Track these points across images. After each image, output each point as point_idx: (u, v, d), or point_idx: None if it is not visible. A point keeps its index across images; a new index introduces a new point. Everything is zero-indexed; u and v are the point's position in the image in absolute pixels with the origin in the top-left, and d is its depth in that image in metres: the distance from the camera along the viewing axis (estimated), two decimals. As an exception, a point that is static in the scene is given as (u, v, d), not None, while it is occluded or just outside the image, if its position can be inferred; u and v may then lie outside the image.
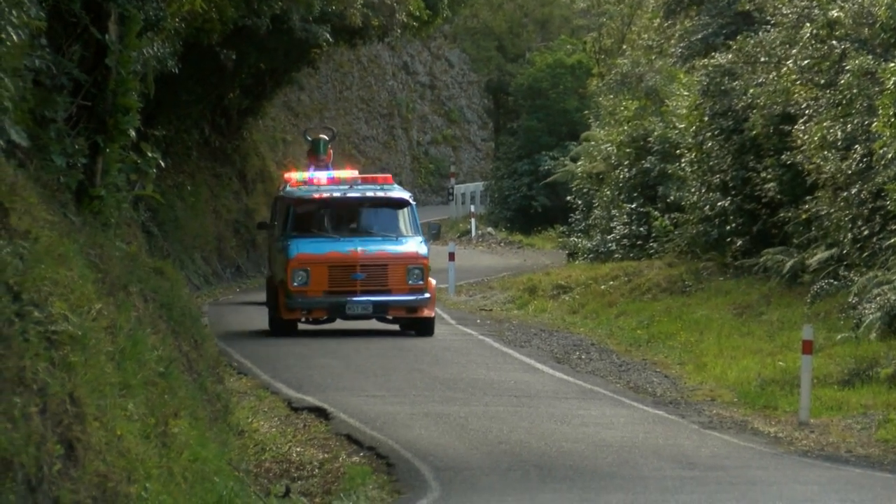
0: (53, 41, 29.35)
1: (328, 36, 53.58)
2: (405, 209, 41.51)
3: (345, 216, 41.40)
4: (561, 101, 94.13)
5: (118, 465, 25.01)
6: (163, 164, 36.02)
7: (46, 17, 28.32)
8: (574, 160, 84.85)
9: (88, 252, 28.90)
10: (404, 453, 34.32)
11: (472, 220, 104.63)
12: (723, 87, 62.48)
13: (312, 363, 46.57)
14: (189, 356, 32.90)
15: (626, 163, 74.38)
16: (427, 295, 39.26)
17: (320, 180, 44.61)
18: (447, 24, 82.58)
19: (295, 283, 38.09)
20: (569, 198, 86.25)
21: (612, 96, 79.86)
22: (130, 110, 31.86)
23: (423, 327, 39.65)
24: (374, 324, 52.96)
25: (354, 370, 46.04)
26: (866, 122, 49.97)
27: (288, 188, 48.09)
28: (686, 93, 66.98)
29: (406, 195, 42.94)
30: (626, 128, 75.02)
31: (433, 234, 43.74)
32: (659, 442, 36.44)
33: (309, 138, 66.08)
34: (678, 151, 67.73)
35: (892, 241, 49.19)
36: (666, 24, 74.99)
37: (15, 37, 25.85)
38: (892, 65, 46.47)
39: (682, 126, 66.90)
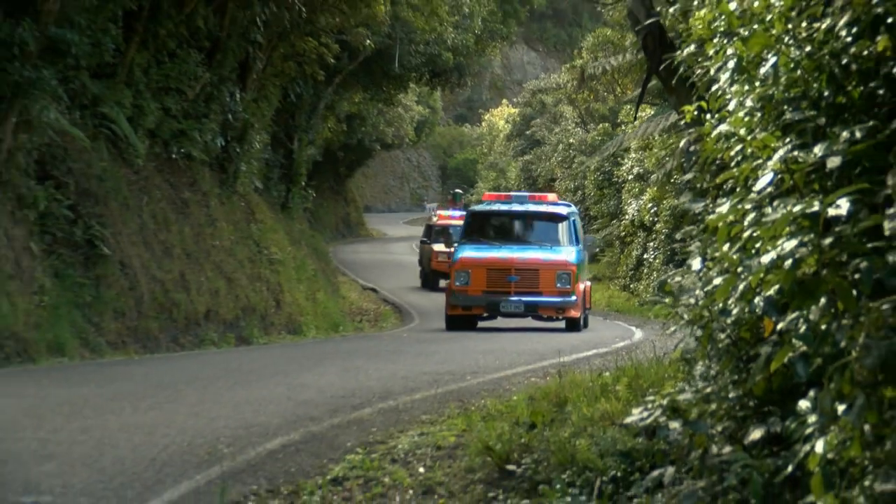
0: (274, 147, 29.50)
1: (378, 146, 53.28)
2: (562, 223, 25.50)
3: (509, 227, 25.98)
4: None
5: (296, 310, 25.03)
6: (314, 194, 35.96)
7: (271, 140, 28.46)
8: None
9: (286, 228, 29.07)
10: (407, 307, 34.11)
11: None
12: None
13: (372, 271, 46.17)
14: (324, 269, 33.08)
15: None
16: (574, 298, 24.11)
17: (496, 196, 28.41)
18: (425, 141, 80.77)
19: (457, 283, 24.11)
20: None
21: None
22: (302, 175, 32.18)
23: (571, 325, 24.58)
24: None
25: (390, 274, 45.22)
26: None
27: (471, 206, 32.00)
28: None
29: (563, 211, 26.22)
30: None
31: (588, 245, 27.55)
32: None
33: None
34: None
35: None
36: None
37: (258, 145, 25.94)
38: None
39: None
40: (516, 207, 25.42)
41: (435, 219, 43.40)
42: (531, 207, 25.36)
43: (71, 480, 7.61)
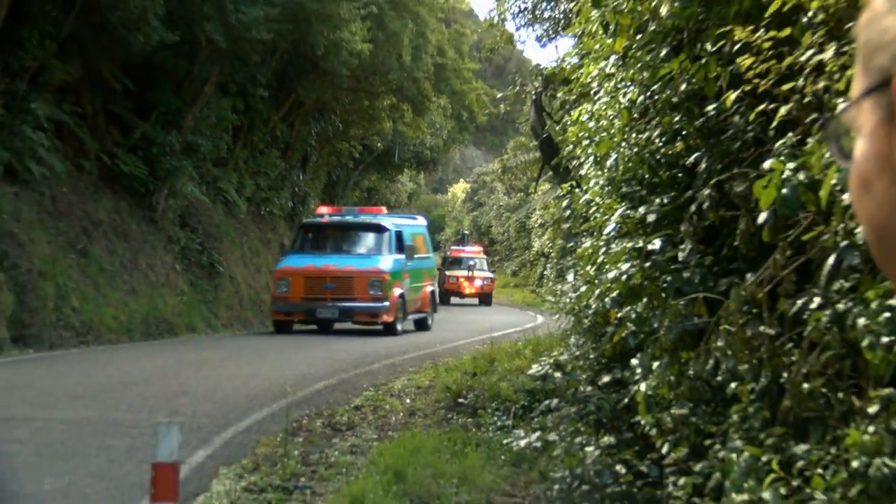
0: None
1: (385, 208, 51.28)
2: (384, 234, 16.21)
3: (333, 238, 16.46)
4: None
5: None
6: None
7: (321, 204, 27.80)
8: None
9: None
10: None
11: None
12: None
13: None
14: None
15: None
16: (386, 304, 15.20)
17: (325, 210, 17.60)
18: (414, 204, 76.48)
19: (278, 291, 15.49)
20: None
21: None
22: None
23: (386, 328, 15.37)
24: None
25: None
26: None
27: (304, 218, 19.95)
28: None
29: (386, 223, 16.52)
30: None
31: (406, 251, 16.50)
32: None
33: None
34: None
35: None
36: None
37: (313, 206, 25.50)
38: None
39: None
40: (343, 219, 16.81)
41: (449, 252, 36.34)
42: (357, 220, 16.79)
43: (196, 408, 7.58)
